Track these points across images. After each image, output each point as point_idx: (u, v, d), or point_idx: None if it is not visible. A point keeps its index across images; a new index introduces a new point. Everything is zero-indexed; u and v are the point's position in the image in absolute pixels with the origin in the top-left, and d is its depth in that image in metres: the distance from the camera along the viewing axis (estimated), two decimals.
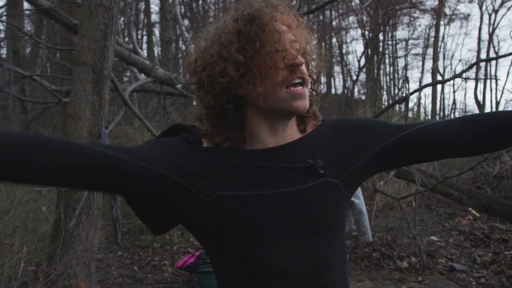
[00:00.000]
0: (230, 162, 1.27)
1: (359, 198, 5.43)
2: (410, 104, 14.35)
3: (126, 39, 13.26)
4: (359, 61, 17.96)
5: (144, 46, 22.68)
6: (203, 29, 1.41)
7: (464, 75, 5.49)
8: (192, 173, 1.24)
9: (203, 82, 1.30)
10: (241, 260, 1.24)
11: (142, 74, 6.52)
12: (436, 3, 26.32)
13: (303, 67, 1.28)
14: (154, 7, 25.59)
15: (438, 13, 26.68)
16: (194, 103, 1.36)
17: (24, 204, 5.29)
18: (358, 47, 54.15)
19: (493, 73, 29.26)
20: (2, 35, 12.81)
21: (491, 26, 28.36)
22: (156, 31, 23.98)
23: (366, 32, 25.19)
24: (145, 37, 23.75)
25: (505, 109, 1.24)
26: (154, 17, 24.43)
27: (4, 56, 13.42)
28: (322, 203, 1.28)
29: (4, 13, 9.87)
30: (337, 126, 1.40)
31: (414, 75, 36.69)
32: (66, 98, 6.23)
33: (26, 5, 11.31)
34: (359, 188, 5.65)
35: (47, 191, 5.67)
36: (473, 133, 1.35)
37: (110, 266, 5.93)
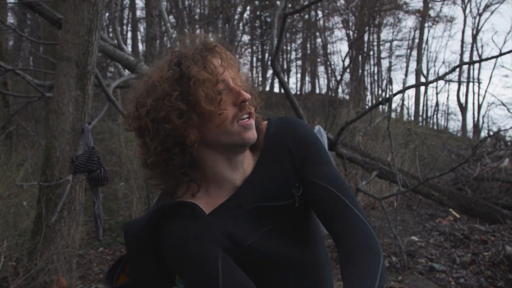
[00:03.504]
0: (234, 217, 1.36)
1: None
2: (394, 105, 14.44)
3: (111, 34, 13.17)
4: (343, 61, 18.00)
5: (129, 42, 22.56)
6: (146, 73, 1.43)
7: (447, 78, 5.54)
8: (219, 237, 1.32)
9: (147, 128, 1.32)
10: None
11: (126, 70, 6.48)
12: (421, 4, 26.50)
13: (249, 102, 1.35)
14: (139, 3, 25.44)
15: (422, 15, 26.87)
16: None
17: (5, 199, 5.24)
18: (342, 47, 54.28)
19: (476, 76, 29.56)
20: None
21: (475, 30, 28.63)
22: (141, 27, 23.86)
23: (351, 33, 25.31)
24: (129, 33, 23.63)
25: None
26: (139, 13, 24.26)
27: None
28: (304, 220, 1.44)
29: None
30: (279, 141, 1.43)
31: (398, 76, 36.95)
32: (49, 93, 6.17)
33: None
34: None
35: (28, 186, 5.62)
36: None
37: (91, 262, 5.89)
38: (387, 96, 5.37)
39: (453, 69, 5.56)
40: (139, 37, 24.11)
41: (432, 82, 5.87)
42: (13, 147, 8.97)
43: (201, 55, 1.32)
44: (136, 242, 1.32)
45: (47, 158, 4.22)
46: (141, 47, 23.46)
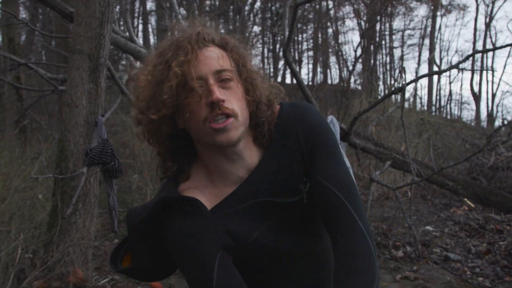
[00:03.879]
0: (237, 211, 1.33)
1: None
2: (407, 95, 14.34)
3: (122, 27, 13.20)
4: (355, 51, 17.93)
5: (140, 34, 22.63)
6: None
7: (460, 66, 5.49)
8: (220, 236, 1.31)
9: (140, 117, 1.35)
10: (259, 280, 1.38)
11: (138, 62, 6.49)
12: None
13: (226, 102, 1.27)
14: None
15: (435, 3, 26.63)
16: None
17: (21, 192, 5.28)
18: (354, 37, 54.01)
19: (489, 64, 29.27)
20: None
21: (488, 17, 28.33)
22: (152, 20, 23.91)
23: (363, 22, 25.15)
24: (141, 26, 23.70)
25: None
26: (150, 6, 24.31)
27: None
28: (310, 215, 1.40)
29: None
30: (288, 129, 1.37)
31: (410, 65, 36.66)
32: (62, 86, 6.20)
33: None
34: None
35: (44, 179, 5.66)
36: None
37: (106, 253, 5.93)
38: (400, 85, 5.34)
39: (467, 58, 5.51)
40: (150, 30, 24.20)
41: (445, 71, 5.84)
42: (27, 141, 9.03)
43: (170, 53, 1.30)
44: (137, 231, 1.32)
45: (61, 151, 4.24)
46: (152, 39, 23.55)
